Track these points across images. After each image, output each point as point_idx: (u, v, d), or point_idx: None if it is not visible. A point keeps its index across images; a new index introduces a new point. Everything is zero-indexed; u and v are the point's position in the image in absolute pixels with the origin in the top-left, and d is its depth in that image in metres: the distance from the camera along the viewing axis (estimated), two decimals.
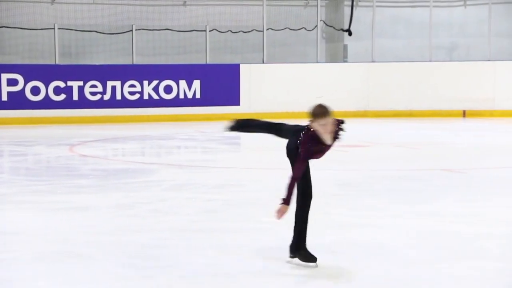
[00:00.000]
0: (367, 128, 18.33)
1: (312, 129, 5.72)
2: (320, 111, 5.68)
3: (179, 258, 6.22)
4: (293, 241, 5.95)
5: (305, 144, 5.72)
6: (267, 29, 21.42)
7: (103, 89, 19.44)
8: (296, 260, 5.93)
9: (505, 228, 7.36)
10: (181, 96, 20.04)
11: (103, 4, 21.81)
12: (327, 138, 5.72)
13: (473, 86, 21.24)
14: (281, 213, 5.67)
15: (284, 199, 5.67)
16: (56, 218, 7.92)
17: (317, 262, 5.85)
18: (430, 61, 21.76)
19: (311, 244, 6.02)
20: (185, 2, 22.50)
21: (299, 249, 5.92)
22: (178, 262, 6.10)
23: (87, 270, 5.92)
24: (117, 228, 7.36)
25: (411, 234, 7.09)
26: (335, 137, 5.77)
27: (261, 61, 21.01)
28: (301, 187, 5.82)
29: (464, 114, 21.21)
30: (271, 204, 8.59)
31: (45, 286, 5.56)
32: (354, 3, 23.06)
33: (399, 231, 7.20)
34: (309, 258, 5.90)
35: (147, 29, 21.85)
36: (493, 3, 22.19)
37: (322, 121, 5.66)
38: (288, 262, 5.93)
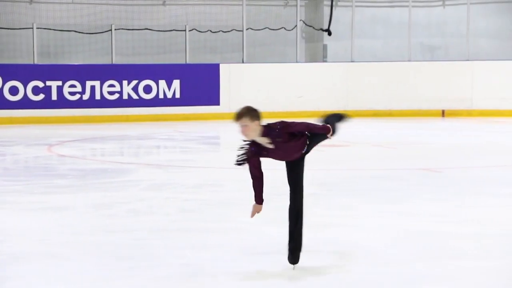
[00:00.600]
0: (346, 128, 18.32)
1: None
2: (235, 115, 5.64)
3: (158, 258, 6.21)
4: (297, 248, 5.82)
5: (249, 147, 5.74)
6: (247, 29, 21.42)
7: (82, 89, 19.37)
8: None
9: (482, 227, 7.39)
10: (161, 96, 20.00)
11: (82, 3, 21.73)
12: (261, 141, 5.69)
13: (452, 86, 21.33)
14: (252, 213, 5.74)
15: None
16: (33, 218, 7.89)
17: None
18: (409, 61, 21.84)
19: (286, 241, 6.02)
20: (165, 1, 22.45)
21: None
22: (156, 262, 6.09)
23: (64, 270, 5.90)
24: (94, 228, 7.34)
25: (389, 233, 7.11)
26: (273, 141, 5.72)
27: (241, 61, 21.01)
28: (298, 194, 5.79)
29: (443, 113, 21.30)
30: (249, 204, 8.62)
31: (21, 287, 5.53)
32: (334, 3, 23.11)
33: (377, 230, 7.22)
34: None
35: (126, 29, 21.79)
36: (471, 3, 22.30)
37: (238, 124, 5.66)
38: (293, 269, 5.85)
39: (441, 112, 21.34)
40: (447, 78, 21.38)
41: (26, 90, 18.98)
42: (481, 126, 19.10)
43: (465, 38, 22.03)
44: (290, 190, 5.79)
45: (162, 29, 22.20)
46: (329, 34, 23.04)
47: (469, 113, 21.17)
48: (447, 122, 20.33)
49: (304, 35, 23.50)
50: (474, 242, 6.78)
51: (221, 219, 7.81)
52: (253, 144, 5.69)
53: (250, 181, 5.76)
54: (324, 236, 6.97)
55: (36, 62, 19.71)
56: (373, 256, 6.27)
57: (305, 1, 23.68)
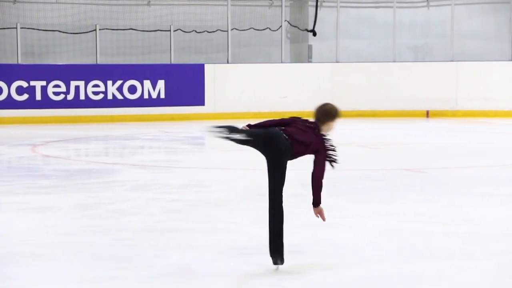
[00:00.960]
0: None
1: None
2: (339, 113, 5.71)
3: (143, 259, 6.18)
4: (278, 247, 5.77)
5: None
6: (232, 29, 21.40)
7: (67, 89, 19.30)
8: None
9: (468, 227, 7.40)
10: (146, 96, 19.96)
11: (66, 3, 21.64)
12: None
13: (436, 87, 21.39)
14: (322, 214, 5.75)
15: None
16: (17, 219, 7.84)
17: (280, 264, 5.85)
18: (394, 61, 21.88)
19: None
20: (149, 1, 22.40)
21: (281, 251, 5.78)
22: (141, 263, 6.06)
23: (48, 271, 5.86)
24: (79, 229, 7.30)
25: (374, 233, 7.11)
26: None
27: (226, 61, 20.99)
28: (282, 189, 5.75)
29: (427, 114, 21.36)
30: (235, 205, 8.62)
31: None
32: (319, 3, 23.11)
33: (362, 230, 7.21)
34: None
35: (111, 29, 21.72)
36: (455, 4, 22.37)
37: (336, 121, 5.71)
38: (274, 269, 5.83)
39: (425, 112, 21.39)
40: (431, 78, 21.44)
41: (10, 90, 18.89)
42: (466, 126, 19.16)
43: (450, 38, 22.10)
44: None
45: (147, 29, 22.16)
46: (314, 34, 23.04)
47: (453, 114, 21.24)
48: (432, 122, 20.38)
49: (289, 35, 23.50)
50: (461, 242, 6.79)
51: (207, 219, 7.79)
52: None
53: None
54: (310, 236, 6.96)
55: (20, 62, 19.62)
56: (360, 257, 6.26)
57: (290, 2, 23.68)
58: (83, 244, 6.70)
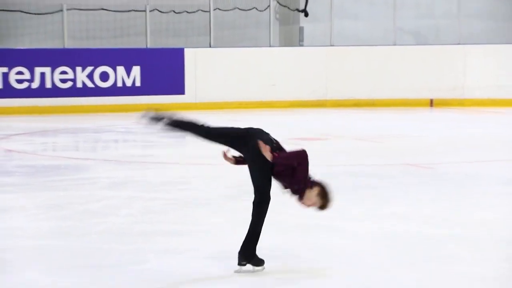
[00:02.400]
0: (325, 119, 18.44)
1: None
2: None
3: (119, 264, 6.20)
4: (247, 247, 5.94)
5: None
6: (214, 9, 21.39)
7: (31, 76, 19.26)
8: (246, 267, 5.95)
9: (476, 231, 7.44)
10: (119, 84, 19.95)
11: None
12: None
13: (442, 73, 21.46)
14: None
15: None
16: None
17: (265, 265, 5.94)
18: (395, 45, 21.93)
19: (265, 245, 6.05)
20: None
21: (253, 255, 5.93)
22: (117, 269, 6.09)
23: (12, 280, 5.87)
24: (46, 232, 7.31)
25: (371, 237, 7.15)
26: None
27: (208, 45, 20.99)
28: (263, 189, 5.85)
29: (431, 103, 21.43)
30: (217, 204, 8.64)
31: None
32: None
33: (358, 234, 7.25)
34: (260, 262, 5.96)
35: (79, 9, 21.68)
36: None
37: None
38: (237, 271, 5.94)
39: (429, 101, 21.46)
40: (436, 64, 21.50)
41: None
42: (474, 117, 19.24)
43: (456, 19, 22.16)
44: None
45: (120, 9, 22.12)
46: (306, 15, 23.06)
47: (460, 103, 21.31)
48: (436, 112, 20.45)
49: (278, 16, 23.52)
50: (469, 247, 6.83)
51: (187, 221, 7.82)
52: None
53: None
54: (302, 239, 6.99)
55: None
56: (358, 262, 6.30)
57: None
58: (51, 248, 6.71)
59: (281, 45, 23.11)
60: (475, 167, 11.46)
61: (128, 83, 20.00)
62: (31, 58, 19.41)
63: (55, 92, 19.45)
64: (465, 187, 9.75)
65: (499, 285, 5.79)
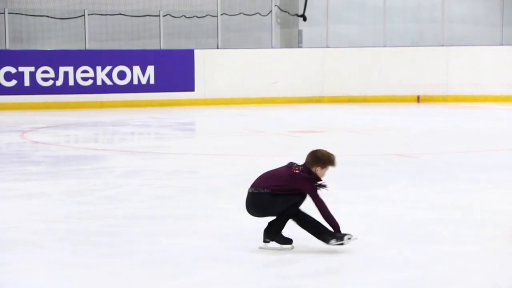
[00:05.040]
0: (322, 114, 18.40)
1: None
2: (334, 161, 5.86)
3: (132, 245, 6.19)
4: (274, 227, 5.93)
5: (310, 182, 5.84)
6: (222, 14, 21.35)
7: (55, 75, 19.25)
8: (271, 244, 5.94)
9: (454, 213, 7.43)
10: (135, 82, 19.92)
11: None
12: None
13: (427, 72, 21.41)
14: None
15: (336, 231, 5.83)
16: (6, 206, 7.84)
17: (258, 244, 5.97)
18: (384, 46, 21.88)
19: (261, 229, 6.04)
20: None
21: (277, 233, 5.91)
22: (131, 249, 6.07)
23: (38, 258, 5.87)
24: (68, 216, 7.30)
25: (363, 219, 7.13)
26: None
27: (216, 47, 20.95)
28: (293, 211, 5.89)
29: (418, 99, 21.38)
30: (225, 191, 8.62)
31: None
32: None
33: (352, 216, 7.23)
34: (286, 240, 5.93)
35: (99, 14, 21.64)
36: None
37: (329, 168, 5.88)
38: (261, 247, 5.93)
39: (416, 97, 21.42)
40: (422, 63, 21.46)
41: None
42: (456, 111, 19.20)
43: (440, 23, 22.10)
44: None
45: (136, 14, 22.08)
46: (304, 19, 23.01)
47: (444, 99, 21.27)
48: (422, 107, 20.41)
49: (279, 20, 23.46)
50: (452, 228, 6.81)
51: (197, 206, 7.79)
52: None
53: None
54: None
55: (8, 47, 19.55)
56: (350, 243, 6.27)
57: None
58: (72, 230, 6.70)
59: (282, 47, 23.06)
60: (455, 156, 11.45)
61: (143, 81, 19.97)
62: (55, 58, 19.38)
63: (77, 89, 19.42)
64: (446, 174, 9.73)
65: (476, 262, 5.78)
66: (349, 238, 5.81)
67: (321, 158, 5.85)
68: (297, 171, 5.84)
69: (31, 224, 6.99)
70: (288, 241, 5.95)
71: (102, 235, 6.53)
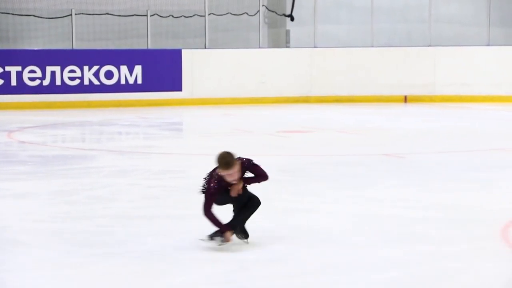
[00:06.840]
0: (309, 114, 18.43)
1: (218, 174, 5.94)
2: (223, 164, 5.85)
3: (120, 245, 6.20)
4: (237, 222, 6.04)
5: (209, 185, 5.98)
6: (209, 14, 21.35)
7: (42, 75, 19.21)
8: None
9: (442, 212, 7.47)
10: (122, 81, 19.90)
11: None
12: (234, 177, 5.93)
13: (414, 72, 21.48)
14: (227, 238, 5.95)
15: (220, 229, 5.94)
16: None
17: (250, 242, 6.05)
18: (372, 46, 21.93)
19: (254, 229, 6.05)
20: None
21: (234, 227, 6.05)
22: (119, 249, 6.08)
23: (26, 258, 5.87)
24: (56, 215, 7.30)
25: (351, 218, 7.16)
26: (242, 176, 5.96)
27: (203, 47, 20.95)
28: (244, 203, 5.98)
29: (405, 99, 21.44)
30: None
31: None
32: None
33: (340, 216, 7.26)
34: (245, 234, 6.08)
35: (87, 14, 21.61)
36: None
37: (227, 172, 5.86)
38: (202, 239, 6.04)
39: (403, 97, 21.48)
40: (409, 63, 21.52)
41: None
42: (444, 111, 19.27)
43: (428, 23, 22.17)
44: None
45: (123, 14, 22.05)
46: (292, 19, 23.04)
47: (431, 99, 21.33)
48: (410, 107, 20.47)
49: (266, 20, 23.48)
50: (439, 227, 6.85)
51: (185, 206, 7.80)
52: (217, 180, 5.93)
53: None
54: (289, 222, 6.99)
55: None
56: (338, 242, 6.30)
57: None
58: (60, 230, 6.70)
59: (269, 47, 23.08)
60: (442, 156, 11.50)
61: (131, 81, 19.95)
62: (42, 58, 19.34)
63: (64, 89, 19.38)
64: (433, 174, 9.77)
65: (463, 261, 5.81)
66: (222, 241, 5.95)
67: (216, 161, 5.94)
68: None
69: (19, 223, 6.99)
70: (246, 235, 6.08)
71: (90, 234, 6.54)
